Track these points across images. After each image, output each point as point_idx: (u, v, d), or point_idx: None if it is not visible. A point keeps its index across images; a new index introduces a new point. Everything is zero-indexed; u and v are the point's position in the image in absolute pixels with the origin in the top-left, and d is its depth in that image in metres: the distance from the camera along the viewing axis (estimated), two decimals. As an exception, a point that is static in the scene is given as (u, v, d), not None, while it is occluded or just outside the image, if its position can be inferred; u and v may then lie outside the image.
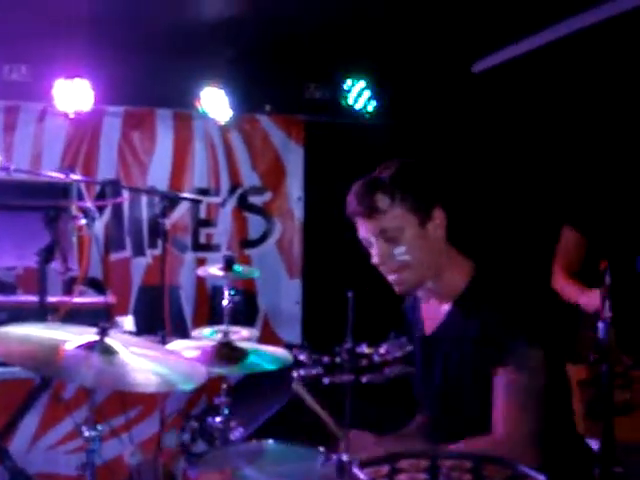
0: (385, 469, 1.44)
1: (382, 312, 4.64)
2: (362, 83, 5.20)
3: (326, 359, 1.62)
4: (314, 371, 1.62)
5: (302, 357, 1.66)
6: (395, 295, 2.42)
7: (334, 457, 1.56)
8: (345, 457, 1.50)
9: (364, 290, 2.71)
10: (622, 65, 4.09)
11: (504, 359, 2.01)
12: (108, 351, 2.24)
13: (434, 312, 2.33)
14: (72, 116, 4.64)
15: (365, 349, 1.60)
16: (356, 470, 1.33)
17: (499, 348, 2.02)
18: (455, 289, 2.26)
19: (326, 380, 1.62)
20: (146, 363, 2.25)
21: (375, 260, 2.26)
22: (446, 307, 2.28)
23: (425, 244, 2.23)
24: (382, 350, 1.58)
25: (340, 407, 1.64)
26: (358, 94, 5.22)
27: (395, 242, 2.21)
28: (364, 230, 2.28)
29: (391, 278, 2.28)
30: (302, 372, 1.63)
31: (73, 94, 4.50)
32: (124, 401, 3.85)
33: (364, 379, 1.59)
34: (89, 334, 2.29)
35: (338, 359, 1.60)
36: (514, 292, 2.18)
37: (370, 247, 2.30)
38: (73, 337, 2.26)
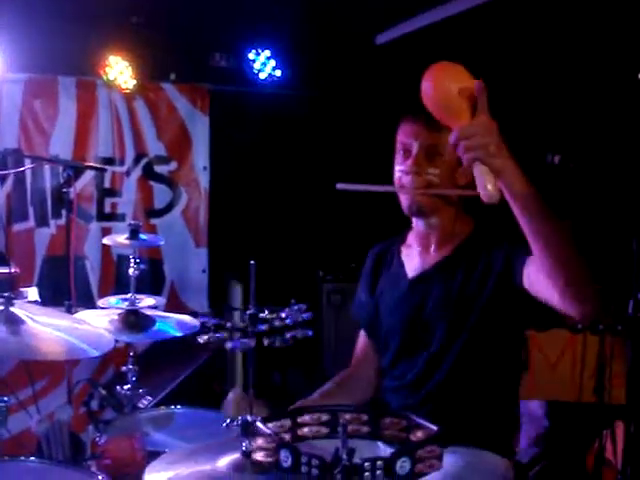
0: (288, 423, 1.52)
1: (284, 280, 4.75)
2: (267, 52, 5.23)
3: (229, 324, 1.69)
4: (218, 335, 1.68)
5: (207, 323, 1.72)
6: (296, 264, 2.50)
7: (239, 418, 1.64)
8: (250, 418, 1.58)
9: (268, 258, 2.78)
10: (521, 39, 4.24)
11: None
12: (13, 321, 2.24)
13: (421, 257, 2.45)
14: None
15: (267, 314, 1.68)
16: (260, 425, 1.41)
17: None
18: (459, 235, 2.40)
19: (229, 344, 1.69)
20: (52, 332, 2.26)
21: (406, 167, 2.35)
22: (443, 251, 2.41)
23: (453, 179, 2.35)
24: (283, 315, 1.66)
25: (244, 370, 1.72)
26: (263, 64, 5.25)
27: (433, 161, 2.33)
28: (413, 135, 2.36)
29: (406, 197, 2.37)
30: (206, 337, 1.69)
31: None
32: (30, 373, 3.83)
33: (265, 342, 1.66)
34: (-7, 304, 2.29)
35: (241, 324, 1.67)
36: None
37: (404, 153, 2.38)
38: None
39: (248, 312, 1.68)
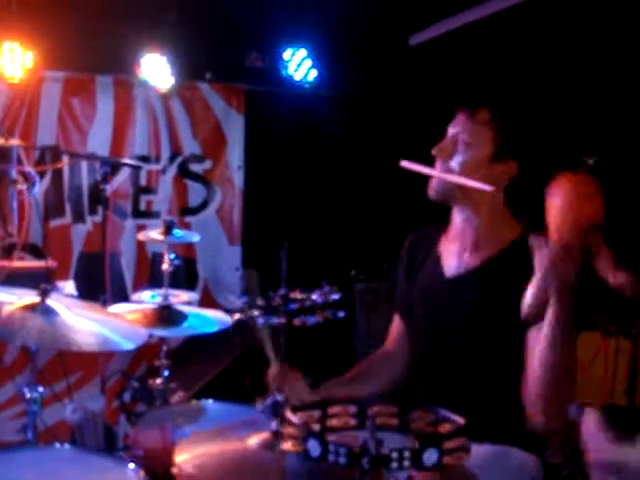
0: (317, 414, 1.53)
1: (317, 280, 4.77)
2: (302, 53, 5.26)
3: (261, 302, 1.72)
4: (250, 314, 1.71)
5: (239, 302, 1.75)
6: (329, 263, 2.51)
7: (269, 398, 1.66)
8: (279, 397, 1.60)
9: (301, 258, 2.80)
10: (553, 39, 4.22)
11: None
12: (50, 312, 2.28)
13: (459, 257, 2.41)
14: (11, 81, 4.60)
15: (298, 295, 1.70)
16: (289, 414, 1.42)
17: None
18: (500, 240, 2.34)
19: (260, 320, 1.71)
20: (87, 324, 2.30)
21: (434, 149, 2.37)
22: (479, 255, 2.36)
23: (481, 175, 2.30)
24: (313, 296, 1.68)
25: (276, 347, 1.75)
26: (298, 64, 5.28)
27: (462, 149, 2.33)
28: (454, 124, 2.40)
29: (433, 179, 2.37)
30: (238, 316, 1.72)
31: (12, 59, 4.45)
32: (65, 366, 3.88)
33: (296, 321, 1.69)
34: (30, 296, 2.33)
35: (273, 303, 1.70)
36: None
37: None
38: (14, 299, 2.30)
39: (279, 292, 1.71)
